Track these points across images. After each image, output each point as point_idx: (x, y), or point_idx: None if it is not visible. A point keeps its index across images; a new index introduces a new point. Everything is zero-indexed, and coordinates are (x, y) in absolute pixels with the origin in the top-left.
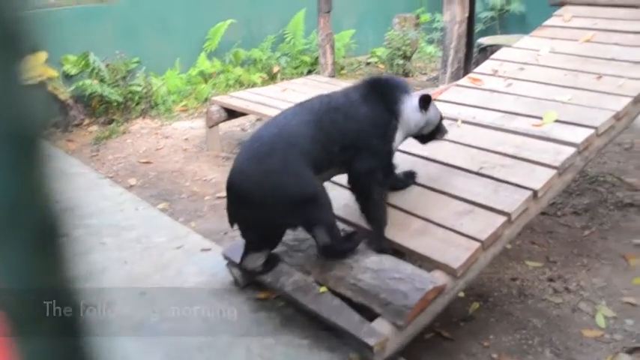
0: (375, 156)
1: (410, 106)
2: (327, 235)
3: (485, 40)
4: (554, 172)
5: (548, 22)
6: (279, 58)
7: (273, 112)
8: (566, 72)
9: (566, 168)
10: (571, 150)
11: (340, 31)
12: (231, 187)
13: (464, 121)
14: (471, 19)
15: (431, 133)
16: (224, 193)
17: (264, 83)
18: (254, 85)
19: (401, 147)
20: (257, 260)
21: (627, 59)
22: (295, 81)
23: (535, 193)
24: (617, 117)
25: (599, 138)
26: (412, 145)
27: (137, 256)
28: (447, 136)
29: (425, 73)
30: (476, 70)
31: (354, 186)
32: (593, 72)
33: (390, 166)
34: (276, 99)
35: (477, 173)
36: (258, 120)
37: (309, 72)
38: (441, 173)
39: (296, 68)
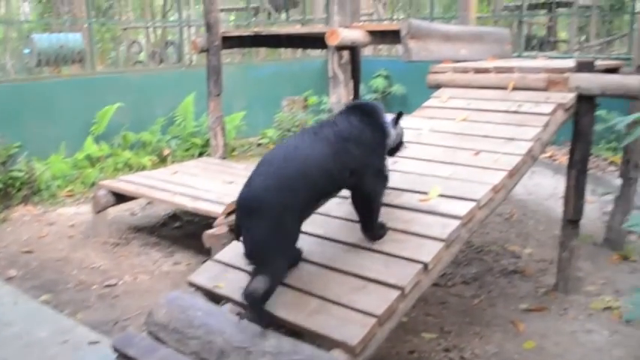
0: (378, 173)
1: (390, 124)
2: (263, 284)
3: None
4: (442, 244)
5: (427, 103)
6: (170, 140)
7: (163, 196)
8: (446, 149)
9: (452, 240)
10: (456, 222)
11: (231, 114)
12: (241, 202)
13: None
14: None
15: (397, 145)
16: (113, 281)
17: (155, 166)
18: (144, 168)
19: None
20: (258, 285)
21: (500, 136)
22: (186, 163)
23: (425, 265)
24: (496, 190)
25: (481, 210)
26: (307, 223)
27: (18, 354)
28: (339, 214)
29: None
30: None
31: (362, 202)
32: (470, 148)
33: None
34: (166, 182)
35: (370, 249)
36: (148, 204)
37: (201, 154)
38: (335, 250)
39: (187, 150)
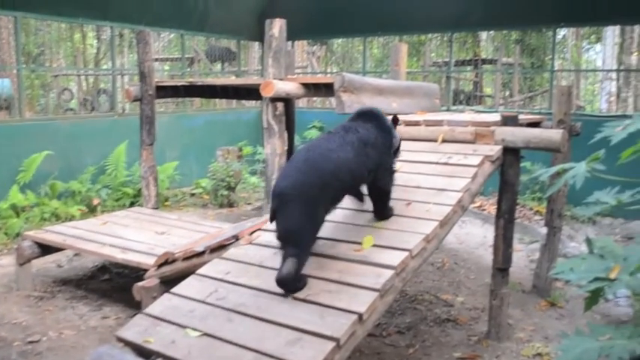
0: (389, 169)
1: (393, 127)
2: (293, 267)
3: None
4: (376, 294)
5: None
6: (100, 190)
7: (92, 247)
8: None
9: (387, 290)
10: (390, 272)
11: (164, 163)
12: (274, 202)
13: None
14: (290, 152)
15: (398, 146)
16: (36, 337)
17: (84, 216)
18: (72, 218)
19: (232, 279)
20: (290, 266)
21: (431, 187)
22: (117, 213)
23: (360, 316)
24: (428, 239)
25: (414, 259)
26: (240, 276)
27: None
28: (274, 265)
29: (250, 203)
30: None
31: (377, 195)
32: (402, 199)
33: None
34: (95, 232)
35: (304, 300)
36: (76, 255)
37: (132, 204)
38: (270, 302)
39: (117, 200)
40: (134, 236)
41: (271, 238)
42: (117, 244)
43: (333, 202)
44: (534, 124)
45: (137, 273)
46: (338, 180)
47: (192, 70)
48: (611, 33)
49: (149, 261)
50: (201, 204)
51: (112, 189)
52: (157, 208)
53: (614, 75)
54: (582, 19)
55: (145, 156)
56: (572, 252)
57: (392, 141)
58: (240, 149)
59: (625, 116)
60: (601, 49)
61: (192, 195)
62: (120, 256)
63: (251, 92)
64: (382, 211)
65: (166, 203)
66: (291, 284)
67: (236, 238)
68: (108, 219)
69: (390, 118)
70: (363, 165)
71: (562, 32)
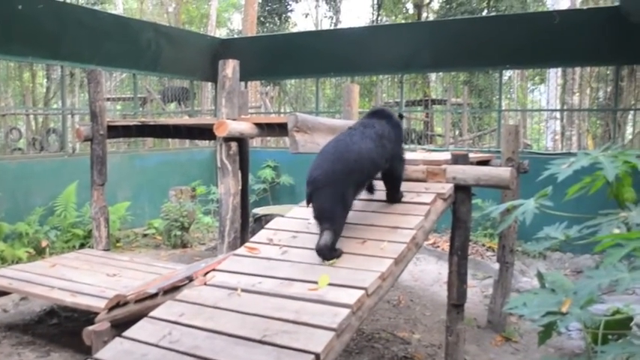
0: (401, 158)
1: (401, 123)
2: (330, 238)
3: (259, 211)
4: (333, 333)
5: None
6: (49, 231)
7: (40, 290)
8: None
9: (343, 329)
10: (346, 311)
11: (115, 203)
12: (308, 189)
13: (244, 290)
14: (244, 191)
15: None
16: None
17: (31, 259)
18: (19, 261)
19: (186, 321)
20: (327, 238)
21: (385, 225)
22: (66, 255)
23: (317, 356)
24: (383, 277)
25: (370, 298)
26: (194, 318)
27: None
28: (229, 306)
29: (203, 244)
30: (252, 239)
31: (391, 180)
32: (358, 237)
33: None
34: (43, 275)
35: (260, 341)
36: (22, 299)
37: (82, 245)
38: (225, 345)
39: (67, 242)
40: (84, 279)
41: (226, 278)
42: (66, 287)
43: (358, 186)
44: (484, 162)
45: (87, 317)
46: (361, 167)
47: (144, 110)
48: (554, 74)
49: (100, 304)
50: (154, 245)
51: (62, 230)
52: (108, 250)
53: (558, 114)
54: (526, 61)
55: (96, 196)
56: (524, 287)
57: (401, 134)
58: (194, 189)
59: (570, 154)
60: (545, 90)
61: (145, 236)
62: (69, 299)
63: (204, 132)
64: (395, 196)
65: (118, 244)
66: (328, 253)
67: (190, 279)
68: (57, 261)
69: (397, 114)
70: (380, 155)
71: (508, 74)
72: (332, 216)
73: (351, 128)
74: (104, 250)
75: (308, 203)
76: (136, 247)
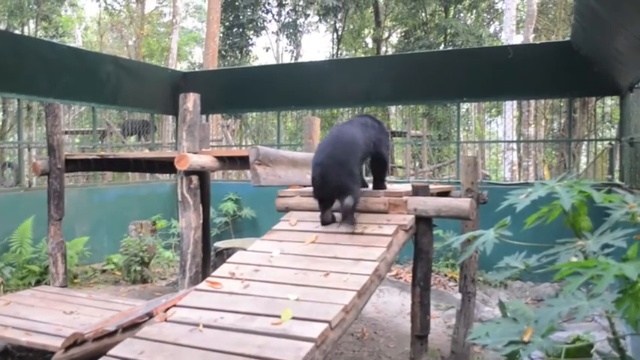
0: (386, 146)
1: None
2: (352, 200)
3: (221, 244)
4: None
5: (277, 226)
6: (3, 268)
7: None
8: (297, 271)
9: None
10: (310, 345)
11: (73, 239)
12: (317, 170)
13: (205, 325)
14: (206, 225)
15: (387, 134)
16: None
17: None
18: None
19: (146, 359)
20: (329, 215)
21: (348, 257)
22: (21, 293)
23: None
24: (346, 310)
25: (334, 331)
26: (154, 355)
27: None
28: (191, 343)
29: (164, 279)
30: (214, 273)
31: (377, 163)
32: (320, 270)
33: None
34: None
35: None
36: None
37: (38, 282)
38: None
39: (22, 279)
40: (40, 317)
41: (187, 314)
42: (21, 326)
43: (360, 162)
44: (444, 194)
45: (43, 356)
46: (356, 147)
47: (104, 143)
48: (510, 107)
49: (56, 343)
50: (113, 281)
51: (17, 267)
52: (65, 286)
53: (514, 145)
54: (482, 94)
55: (53, 231)
56: (487, 316)
57: (383, 126)
58: (154, 223)
59: (527, 184)
60: (502, 122)
61: (104, 271)
62: (24, 338)
63: (165, 165)
64: (381, 183)
65: (75, 281)
66: (350, 216)
67: (150, 315)
68: (11, 299)
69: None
70: (368, 139)
71: (465, 106)
72: (346, 186)
73: (342, 124)
74: (61, 286)
75: (316, 187)
76: (95, 284)
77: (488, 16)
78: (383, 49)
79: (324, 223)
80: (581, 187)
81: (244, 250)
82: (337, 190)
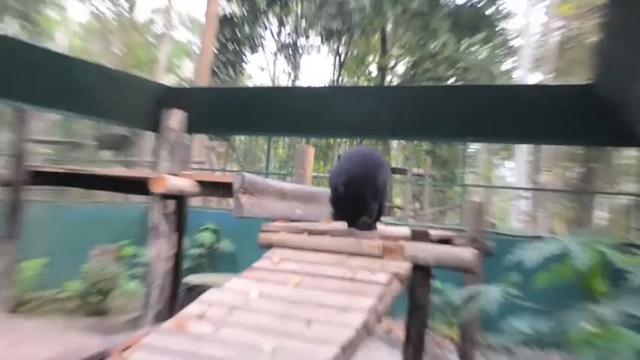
0: (388, 182)
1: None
2: (369, 219)
3: (193, 279)
4: None
5: (257, 264)
6: None
7: None
8: (277, 317)
9: None
10: None
11: (27, 260)
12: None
13: None
14: (178, 256)
15: None
16: None
17: None
18: None
19: None
20: (366, 219)
21: (334, 305)
22: None
23: None
24: None
25: None
26: None
27: None
28: None
29: (125, 313)
30: (182, 312)
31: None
32: (302, 317)
33: None
34: None
35: None
36: None
37: None
38: None
39: None
40: None
41: (147, 356)
42: None
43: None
44: (446, 241)
45: None
46: (381, 169)
47: (75, 156)
48: (522, 150)
49: None
50: (69, 310)
51: None
52: (14, 312)
53: (526, 193)
54: (491, 135)
55: (6, 251)
56: None
57: (385, 160)
58: (120, 249)
59: (538, 237)
60: (513, 166)
61: (59, 299)
62: None
63: (140, 186)
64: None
65: (25, 308)
66: (368, 227)
67: (104, 355)
68: None
69: None
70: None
71: (474, 147)
72: (367, 205)
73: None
74: (9, 312)
75: (337, 198)
76: (47, 312)
77: (502, 52)
78: (388, 78)
79: (359, 224)
80: (597, 246)
81: (219, 287)
82: (356, 201)
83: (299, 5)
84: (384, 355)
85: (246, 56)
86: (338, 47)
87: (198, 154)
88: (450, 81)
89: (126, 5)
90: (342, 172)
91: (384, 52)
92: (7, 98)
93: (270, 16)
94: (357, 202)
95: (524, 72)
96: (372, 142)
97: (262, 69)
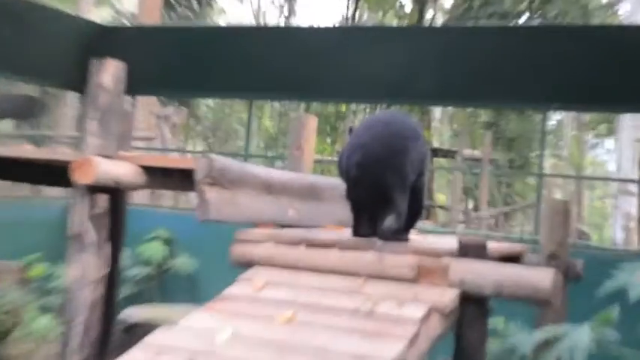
0: (426, 169)
1: None
2: (394, 222)
3: (134, 314)
4: None
5: (231, 291)
6: None
7: None
8: None
9: None
10: None
11: None
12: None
13: None
14: (112, 279)
15: None
16: None
17: None
18: None
19: None
20: (365, 225)
21: (345, 352)
22: None
23: None
24: None
25: None
26: None
27: None
28: None
29: None
30: None
31: (413, 193)
32: None
33: None
34: None
35: None
36: None
37: None
38: None
39: None
40: None
41: None
42: None
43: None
44: (512, 258)
45: None
46: (417, 142)
47: None
48: (629, 124)
49: None
50: None
51: None
52: None
53: (634, 188)
54: (586, 100)
55: None
56: None
57: (424, 139)
58: (26, 268)
59: None
60: (615, 148)
61: None
62: None
63: (56, 173)
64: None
65: None
66: (391, 236)
67: None
68: None
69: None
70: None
71: (556, 117)
72: (391, 191)
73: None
74: None
75: (352, 181)
76: None
77: None
78: (428, 14)
79: (356, 234)
80: None
81: (172, 325)
82: (377, 192)
83: None
84: None
85: None
86: None
87: (144, 126)
88: (522, 19)
89: None
90: (355, 148)
91: None
92: None
93: None
94: (377, 195)
95: (636, 4)
96: (403, 109)
97: (241, 0)
